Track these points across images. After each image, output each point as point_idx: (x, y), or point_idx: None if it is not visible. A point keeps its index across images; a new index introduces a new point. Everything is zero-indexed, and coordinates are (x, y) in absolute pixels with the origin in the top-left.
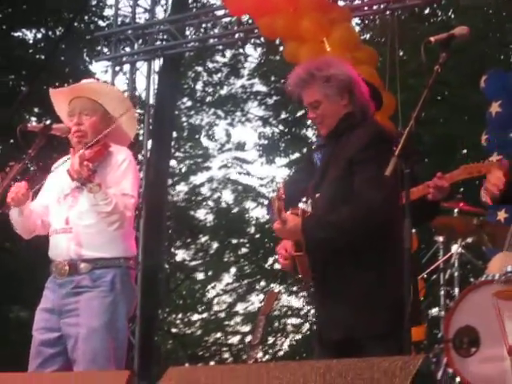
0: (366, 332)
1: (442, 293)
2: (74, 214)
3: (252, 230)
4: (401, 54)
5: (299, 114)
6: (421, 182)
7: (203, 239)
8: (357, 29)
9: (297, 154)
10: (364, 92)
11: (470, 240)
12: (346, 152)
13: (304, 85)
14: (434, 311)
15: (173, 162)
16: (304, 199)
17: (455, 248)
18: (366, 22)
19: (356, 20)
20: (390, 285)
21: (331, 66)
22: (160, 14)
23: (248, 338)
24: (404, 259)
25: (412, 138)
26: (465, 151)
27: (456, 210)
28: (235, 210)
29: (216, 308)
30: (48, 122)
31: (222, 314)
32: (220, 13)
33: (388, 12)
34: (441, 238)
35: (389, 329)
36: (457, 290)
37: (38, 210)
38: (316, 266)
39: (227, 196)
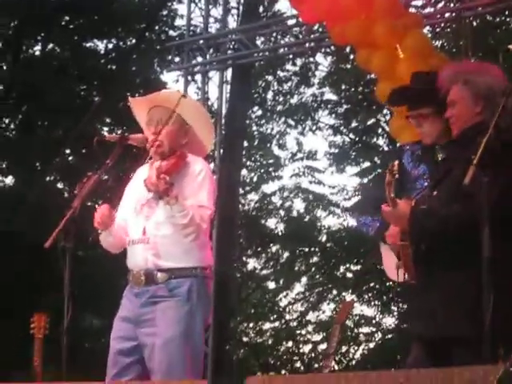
0: (457, 334)
1: None
2: (151, 225)
3: (323, 238)
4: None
5: (370, 122)
6: None
7: (274, 248)
8: (428, 36)
9: (367, 163)
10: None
11: None
12: (471, 155)
13: (450, 84)
14: None
15: (244, 171)
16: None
17: None
18: (438, 29)
19: (427, 27)
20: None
21: (476, 72)
22: (231, 23)
23: (320, 347)
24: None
25: (492, 146)
26: None
27: None
28: (306, 219)
29: (287, 317)
30: (119, 131)
31: (294, 323)
32: (291, 22)
33: (460, 19)
34: None
35: (479, 335)
36: None
37: (121, 225)
38: (418, 258)
39: (298, 205)
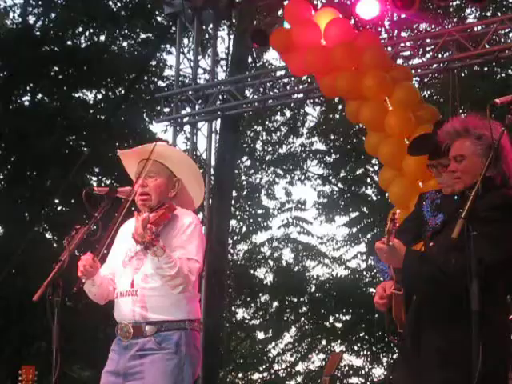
0: None
1: None
2: (139, 277)
3: (312, 288)
4: (460, 112)
5: (358, 172)
6: None
7: (263, 298)
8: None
9: (356, 213)
10: (510, 162)
11: None
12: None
13: (456, 137)
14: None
15: (233, 222)
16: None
17: None
18: (425, 80)
19: (415, 78)
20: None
21: (486, 128)
22: (220, 74)
23: None
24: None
25: (479, 200)
26: None
27: None
28: (295, 269)
29: (276, 367)
30: (108, 181)
31: (283, 374)
32: (279, 73)
33: (447, 70)
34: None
35: None
36: None
37: (108, 276)
38: (410, 308)
39: (287, 255)
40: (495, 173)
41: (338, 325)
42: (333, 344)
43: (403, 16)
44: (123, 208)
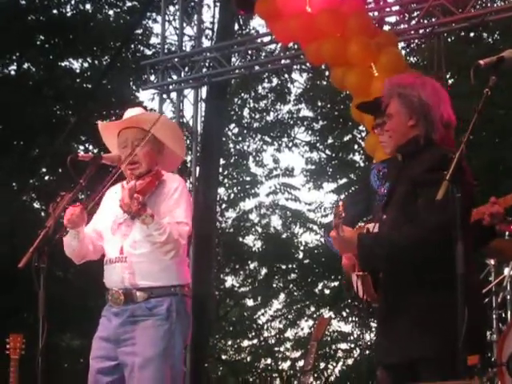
0: (421, 355)
1: (495, 316)
2: (128, 244)
3: (301, 255)
4: (447, 77)
5: (346, 138)
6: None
7: (252, 265)
8: (403, 52)
9: (344, 179)
10: (434, 121)
11: None
12: (411, 174)
13: (389, 96)
14: (487, 335)
15: (221, 189)
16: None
17: (507, 271)
18: (412, 45)
19: (401, 44)
20: (449, 308)
21: (410, 85)
22: (205, 42)
23: (298, 364)
24: (458, 284)
25: (463, 162)
26: None
27: (507, 233)
28: (284, 236)
29: (266, 334)
30: (95, 150)
31: (272, 340)
32: (265, 39)
33: (434, 35)
34: (492, 261)
35: (444, 353)
36: (509, 314)
37: (90, 235)
38: (377, 285)
39: (275, 222)
40: (420, 133)
41: (327, 291)
42: (321, 310)
43: None
44: (113, 174)
